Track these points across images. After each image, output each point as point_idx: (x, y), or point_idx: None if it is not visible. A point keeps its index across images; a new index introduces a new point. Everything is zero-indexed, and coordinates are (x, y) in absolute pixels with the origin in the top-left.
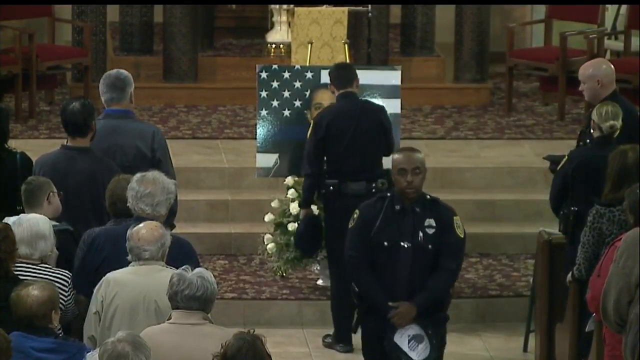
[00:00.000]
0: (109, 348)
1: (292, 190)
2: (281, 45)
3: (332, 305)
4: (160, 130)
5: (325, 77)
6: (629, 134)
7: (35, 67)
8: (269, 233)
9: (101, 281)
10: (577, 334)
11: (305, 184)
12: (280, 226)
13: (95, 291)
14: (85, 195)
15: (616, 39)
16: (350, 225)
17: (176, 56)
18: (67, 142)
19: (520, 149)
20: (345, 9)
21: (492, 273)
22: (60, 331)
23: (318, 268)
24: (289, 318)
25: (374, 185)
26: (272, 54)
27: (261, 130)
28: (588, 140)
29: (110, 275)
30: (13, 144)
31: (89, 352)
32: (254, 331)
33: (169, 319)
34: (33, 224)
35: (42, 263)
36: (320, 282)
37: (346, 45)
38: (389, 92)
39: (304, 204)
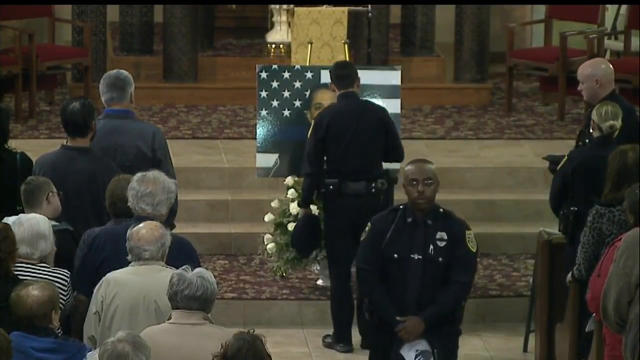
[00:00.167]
0: (109, 348)
1: (292, 190)
2: (281, 45)
3: (332, 305)
4: (160, 130)
5: (325, 77)
6: (628, 134)
7: (35, 67)
8: (269, 233)
9: (101, 281)
10: (577, 334)
11: (305, 184)
12: (280, 226)
13: (95, 291)
14: (85, 195)
15: (616, 39)
16: (362, 238)
17: (176, 56)
18: (67, 142)
19: (520, 149)
20: (345, 9)
21: (492, 273)
22: (60, 331)
23: (318, 268)
24: (289, 318)
25: (373, 185)
26: (272, 54)
27: (261, 130)
28: (587, 140)
29: (110, 275)
30: (13, 144)
31: (89, 351)
32: (254, 331)
33: (169, 319)
34: (33, 224)
35: (41, 263)
36: (320, 282)
37: (346, 45)
38: (389, 92)
39: (303, 203)
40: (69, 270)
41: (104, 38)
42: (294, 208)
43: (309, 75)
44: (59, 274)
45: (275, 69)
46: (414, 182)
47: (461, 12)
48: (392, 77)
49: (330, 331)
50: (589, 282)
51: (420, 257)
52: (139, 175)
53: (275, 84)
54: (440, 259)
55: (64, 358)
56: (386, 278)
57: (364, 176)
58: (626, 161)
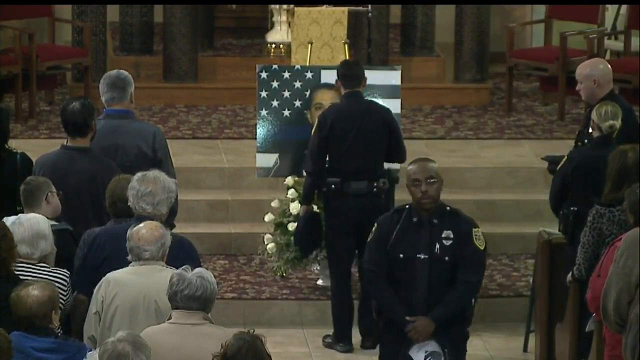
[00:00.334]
0: (109, 348)
1: (292, 190)
2: (281, 45)
3: (332, 305)
4: (160, 130)
5: (325, 77)
6: (628, 134)
7: (35, 67)
8: (269, 233)
9: (101, 281)
10: (577, 334)
11: (306, 182)
12: (280, 226)
13: (95, 291)
14: (85, 195)
15: (616, 39)
16: (368, 239)
17: (176, 56)
18: (67, 142)
19: (520, 149)
20: (345, 9)
21: (492, 273)
22: (60, 331)
23: (318, 268)
24: (289, 318)
25: (375, 185)
26: (272, 54)
27: (261, 130)
28: (586, 141)
29: (111, 275)
30: (13, 144)
31: (90, 351)
32: (254, 331)
33: (169, 319)
34: (33, 224)
35: (41, 263)
36: (320, 282)
37: (346, 45)
38: (389, 92)
39: (305, 200)
40: (68, 270)
41: (104, 38)
42: (294, 208)
43: (309, 75)
44: (59, 274)
45: (275, 69)
46: (417, 182)
47: (461, 12)
48: (392, 77)
49: (330, 331)
50: (589, 282)
51: (427, 256)
52: (139, 174)
53: (275, 84)
54: (446, 258)
55: (64, 358)
56: (393, 279)
57: (365, 176)
58: (626, 161)
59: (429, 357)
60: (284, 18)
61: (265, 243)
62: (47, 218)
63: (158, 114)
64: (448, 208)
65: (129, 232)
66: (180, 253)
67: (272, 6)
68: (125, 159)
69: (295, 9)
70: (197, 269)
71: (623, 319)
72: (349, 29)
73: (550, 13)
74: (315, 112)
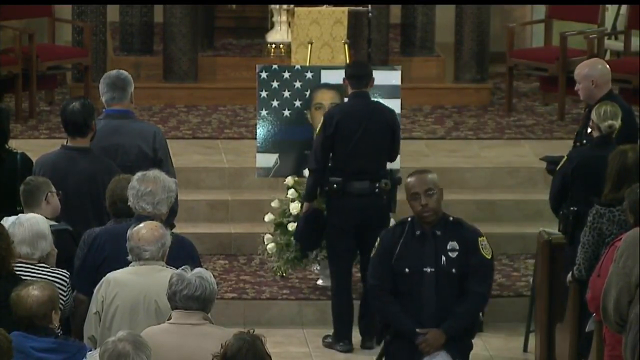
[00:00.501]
0: (110, 347)
1: (292, 190)
2: (281, 45)
3: (332, 305)
4: (161, 131)
5: (325, 77)
6: (627, 134)
7: (35, 67)
8: (269, 233)
9: (101, 281)
10: (577, 334)
11: (309, 179)
12: (280, 226)
13: (95, 291)
14: (85, 195)
15: (616, 39)
16: (372, 254)
17: (176, 56)
18: (67, 143)
19: (520, 149)
20: (345, 9)
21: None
22: (60, 331)
23: (318, 268)
24: (289, 318)
25: (377, 185)
26: (272, 54)
27: (261, 130)
28: (584, 141)
29: (111, 275)
30: (13, 144)
31: (90, 351)
32: (254, 331)
33: (169, 319)
34: (33, 224)
35: (40, 263)
36: (320, 282)
37: (346, 45)
38: (389, 92)
39: (307, 198)
40: (68, 271)
41: (104, 38)
42: (294, 208)
43: (309, 75)
44: (59, 274)
45: (275, 69)
46: (416, 196)
47: (461, 12)
48: (392, 77)
49: (330, 331)
50: (589, 282)
51: (433, 269)
52: (139, 174)
53: (275, 84)
54: (453, 270)
55: (64, 358)
56: (400, 293)
57: (368, 176)
58: (626, 161)
59: None
60: (284, 18)
61: (265, 243)
62: (47, 218)
63: (158, 114)
64: (451, 218)
65: (129, 232)
66: (181, 253)
67: (272, 6)
68: (125, 159)
69: (295, 9)
70: (197, 269)
71: (623, 319)
72: (349, 29)
73: (550, 13)
74: (315, 112)
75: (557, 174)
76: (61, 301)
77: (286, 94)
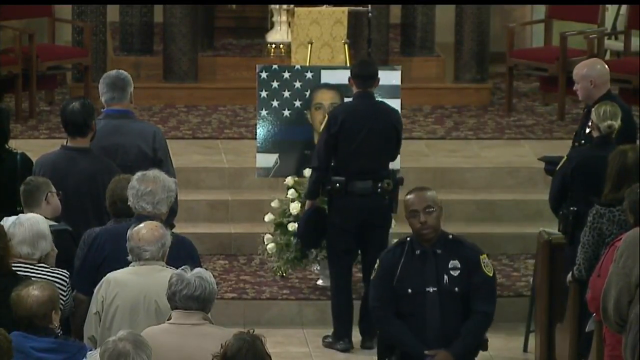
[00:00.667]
0: (110, 347)
1: (292, 190)
2: (281, 45)
3: (332, 304)
4: (160, 130)
5: (325, 77)
6: (626, 135)
7: (35, 67)
8: (269, 233)
9: (101, 281)
10: (577, 334)
11: (311, 178)
12: (280, 226)
13: (95, 291)
14: (85, 195)
15: (616, 39)
16: (372, 276)
17: (176, 56)
18: (66, 143)
19: (520, 149)
20: (345, 9)
21: None
22: (60, 331)
23: (318, 268)
24: (289, 318)
25: (380, 185)
26: (272, 54)
27: (261, 130)
28: (583, 141)
29: (111, 275)
30: (13, 144)
31: (90, 351)
32: (253, 331)
33: (169, 319)
34: (34, 224)
35: (40, 263)
36: (320, 282)
37: (346, 45)
38: (389, 92)
39: (309, 196)
40: (68, 271)
41: (104, 38)
42: (294, 208)
43: (309, 75)
44: (58, 274)
45: (275, 69)
46: (415, 213)
47: (461, 12)
48: (392, 77)
49: (330, 331)
50: (589, 282)
51: (435, 289)
52: (139, 174)
53: (275, 84)
54: (456, 289)
55: (64, 358)
56: (403, 314)
57: (371, 176)
58: (626, 161)
59: None
60: (284, 18)
61: (265, 243)
62: (47, 218)
63: (158, 114)
64: (450, 236)
65: (129, 232)
66: (181, 253)
67: (272, 6)
68: (125, 159)
69: (295, 9)
70: (197, 269)
71: (623, 319)
72: (349, 29)
73: (550, 13)
74: (315, 112)
75: (557, 174)
76: (61, 301)
77: (286, 94)
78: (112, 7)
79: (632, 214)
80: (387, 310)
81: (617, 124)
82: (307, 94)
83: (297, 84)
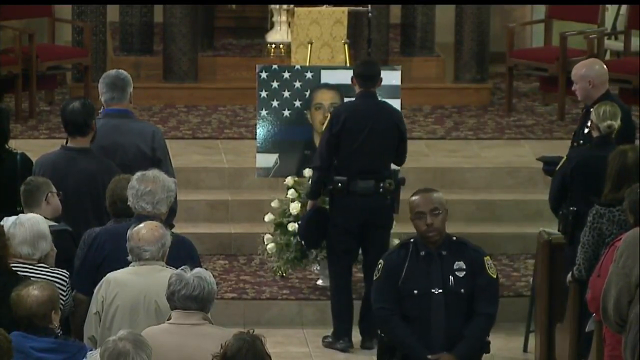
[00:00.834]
0: (110, 346)
1: (292, 190)
2: (281, 45)
3: (332, 303)
4: (160, 130)
5: (325, 77)
6: (626, 135)
7: (35, 67)
8: (269, 233)
9: (101, 281)
10: (577, 334)
11: (313, 177)
12: (280, 226)
13: (95, 291)
14: (85, 195)
15: (616, 39)
16: (375, 277)
17: (176, 56)
18: (66, 143)
19: (520, 149)
20: (345, 9)
21: None
22: (60, 331)
23: (318, 268)
24: (289, 318)
25: (382, 185)
26: (272, 54)
27: (261, 130)
28: (581, 141)
29: (111, 275)
30: (13, 144)
31: (90, 351)
32: (253, 331)
33: (169, 319)
34: (34, 224)
35: (40, 263)
36: (320, 282)
37: (346, 45)
38: (389, 92)
39: (312, 195)
40: (68, 271)
41: (104, 38)
42: (294, 208)
43: (309, 75)
44: (58, 274)
45: (275, 69)
46: (421, 215)
47: (461, 12)
48: (392, 77)
49: (330, 331)
50: (589, 282)
51: (441, 290)
52: (138, 174)
53: (275, 84)
54: (462, 290)
55: (64, 358)
56: (407, 316)
57: (373, 176)
58: (626, 161)
59: None
60: (284, 18)
61: (265, 243)
62: (47, 218)
63: (158, 114)
64: (454, 238)
65: (129, 232)
66: (181, 253)
67: (272, 6)
68: (124, 158)
69: (295, 9)
70: (196, 269)
71: (623, 319)
72: (349, 29)
73: (550, 13)
74: (315, 112)
75: (556, 174)
76: (61, 301)
77: (286, 94)
78: (112, 7)
79: (632, 214)
80: (391, 312)
81: (617, 124)
82: (307, 94)
83: (297, 84)
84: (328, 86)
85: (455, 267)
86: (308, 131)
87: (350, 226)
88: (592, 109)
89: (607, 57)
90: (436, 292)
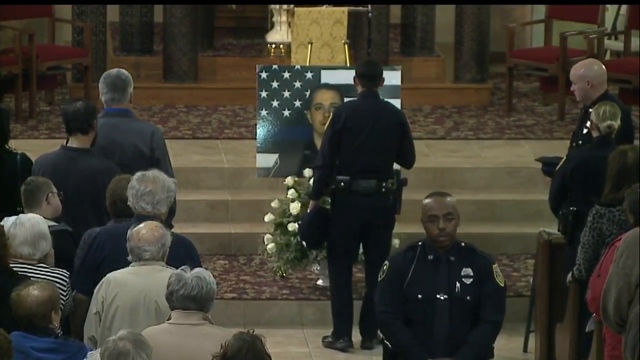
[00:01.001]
0: (110, 346)
1: (292, 190)
2: (281, 45)
3: (332, 303)
4: (159, 130)
5: (325, 77)
6: (625, 135)
7: (35, 67)
8: (269, 233)
9: (101, 281)
10: (577, 334)
11: (315, 176)
12: (280, 226)
13: (95, 292)
14: (85, 195)
15: (616, 39)
16: (379, 279)
17: (176, 56)
18: (66, 143)
19: (520, 149)
20: (345, 9)
21: None
22: (60, 331)
23: (318, 268)
24: (289, 318)
25: (384, 184)
26: (272, 54)
27: (261, 130)
28: (580, 142)
29: (111, 275)
30: (13, 144)
31: (90, 351)
32: (253, 331)
33: (169, 319)
34: (34, 224)
35: (40, 263)
36: (320, 282)
37: (346, 45)
38: (389, 92)
39: (314, 195)
40: (68, 271)
41: (104, 38)
42: (294, 208)
43: (309, 75)
44: (58, 274)
45: (275, 69)
46: (434, 218)
47: (461, 12)
48: (392, 77)
49: (330, 331)
50: (589, 282)
51: (446, 296)
52: (138, 174)
53: (275, 84)
54: (468, 297)
55: (64, 358)
56: (410, 320)
57: (375, 175)
58: (626, 161)
59: None
60: (284, 18)
61: (265, 243)
62: (48, 218)
63: (158, 114)
64: (463, 244)
65: (129, 232)
66: (181, 253)
67: (272, 6)
68: (123, 157)
69: (295, 9)
70: (196, 269)
71: (623, 319)
72: (349, 29)
73: (550, 13)
74: (315, 112)
75: (556, 174)
76: (61, 301)
77: (286, 94)
78: (112, 7)
79: (632, 214)
80: (394, 316)
81: (616, 124)
82: (307, 94)
83: (297, 84)
84: (328, 86)
85: (462, 273)
86: (308, 131)
87: (352, 226)
88: (591, 109)
89: (607, 57)
90: (441, 298)
